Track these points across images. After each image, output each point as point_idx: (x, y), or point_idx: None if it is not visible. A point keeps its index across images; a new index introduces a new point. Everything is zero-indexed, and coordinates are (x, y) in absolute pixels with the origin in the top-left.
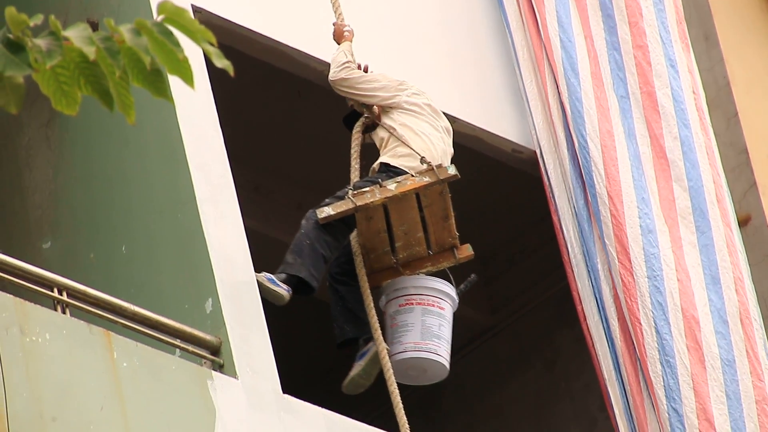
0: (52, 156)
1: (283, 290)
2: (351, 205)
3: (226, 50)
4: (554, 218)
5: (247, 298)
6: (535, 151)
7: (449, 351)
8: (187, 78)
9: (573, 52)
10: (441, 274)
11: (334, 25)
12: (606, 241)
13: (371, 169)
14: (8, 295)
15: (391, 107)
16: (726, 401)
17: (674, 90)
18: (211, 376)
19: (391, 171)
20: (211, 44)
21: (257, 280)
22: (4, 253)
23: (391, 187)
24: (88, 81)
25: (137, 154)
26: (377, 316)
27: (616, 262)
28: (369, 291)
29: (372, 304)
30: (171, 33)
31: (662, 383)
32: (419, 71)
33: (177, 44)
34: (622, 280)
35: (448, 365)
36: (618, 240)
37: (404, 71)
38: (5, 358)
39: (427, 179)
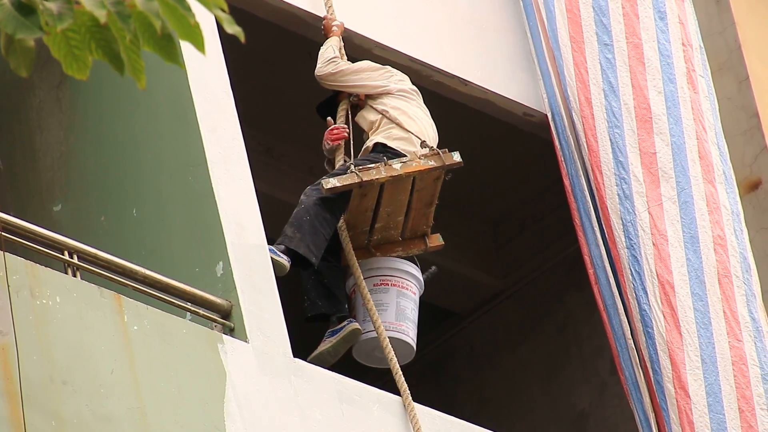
0: (63, 118)
1: (284, 260)
2: (356, 180)
3: (238, 13)
4: (565, 182)
5: (258, 262)
6: (546, 115)
7: (416, 334)
8: (198, 44)
9: (553, 17)
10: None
11: (323, 19)
12: (599, 214)
13: (364, 148)
14: (19, 258)
15: (381, 94)
16: (701, 365)
17: (661, 44)
18: (222, 340)
19: (389, 152)
20: (223, 10)
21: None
22: (15, 216)
23: (397, 166)
24: (99, 45)
25: (148, 116)
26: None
27: (605, 235)
28: (359, 267)
29: (363, 280)
30: None
31: (647, 355)
32: (430, 35)
33: (188, 9)
34: (611, 253)
35: (414, 349)
36: (603, 213)
37: (415, 35)
38: (16, 321)
39: (432, 163)
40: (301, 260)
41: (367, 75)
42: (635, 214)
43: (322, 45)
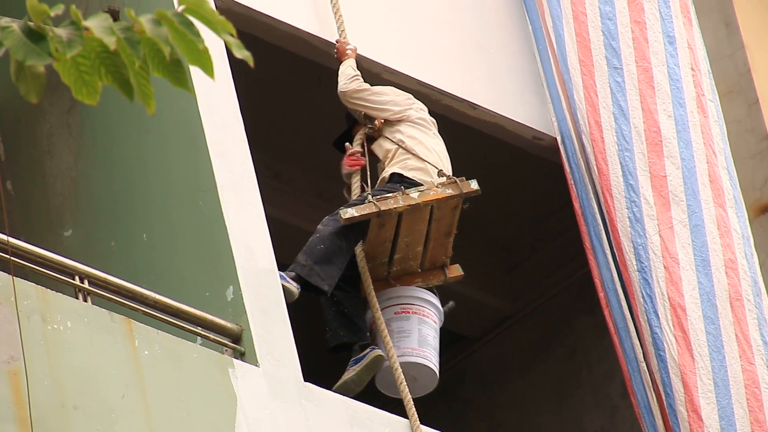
0: (73, 143)
1: (293, 286)
2: (374, 209)
3: (247, 38)
4: (575, 205)
5: (268, 286)
6: (555, 139)
7: (438, 361)
8: (208, 69)
9: (562, 40)
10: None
11: (336, 42)
12: (610, 237)
13: (381, 179)
14: (30, 283)
15: (399, 121)
16: (714, 389)
17: (671, 68)
18: (233, 364)
19: (405, 182)
20: (231, 35)
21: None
22: (25, 241)
23: (414, 195)
24: (109, 71)
25: (158, 141)
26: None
27: (616, 258)
28: (376, 299)
29: (380, 313)
30: (191, 24)
31: (660, 378)
32: (439, 59)
33: (197, 35)
34: (623, 277)
35: (438, 376)
36: (614, 236)
37: (424, 59)
38: (27, 346)
39: (449, 191)
40: (313, 288)
41: (390, 99)
42: (646, 237)
43: (330, 69)
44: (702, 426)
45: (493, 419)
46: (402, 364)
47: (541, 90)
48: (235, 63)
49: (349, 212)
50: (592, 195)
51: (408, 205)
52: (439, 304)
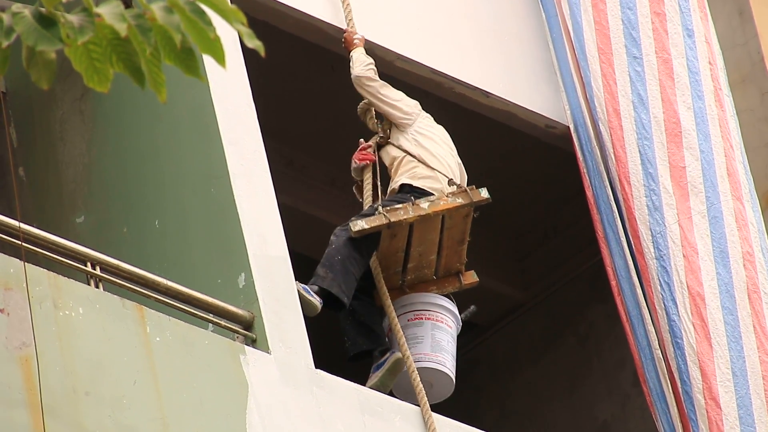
0: (85, 130)
1: (316, 301)
2: (384, 221)
3: (260, 25)
4: (588, 194)
5: (279, 273)
6: (568, 127)
7: (454, 365)
8: (219, 57)
9: (580, 28)
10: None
11: (344, 32)
12: (625, 225)
13: (390, 190)
14: (42, 269)
15: (404, 126)
16: (732, 378)
17: (689, 60)
18: (244, 351)
19: (415, 192)
20: (243, 24)
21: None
22: (37, 227)
23: (424, 205)
24: (120, 58)
25: (170, 128)
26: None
27: (632, 245)
28: (392, 306)
29: (396, 320)
30: (203, 12)
31: (676, 366)
32: (452, 47)
33: (209, 23)
34: (638, 264)
35: (454, 381)
36: (630, 223)
37: (437, 47)
38: (39, 332)
39: (459, 200)
40: (333, 301)
41: (401, 98)
42: (665, 225)
43: (343, 57)
44: (720, 414)
45: (505, 407)
46: (419, 369)
47: (555, 78)
48: (247, 50)
49: (359, 224)
50: (606, 183)
51: (418, 216)
52: (455, 309)
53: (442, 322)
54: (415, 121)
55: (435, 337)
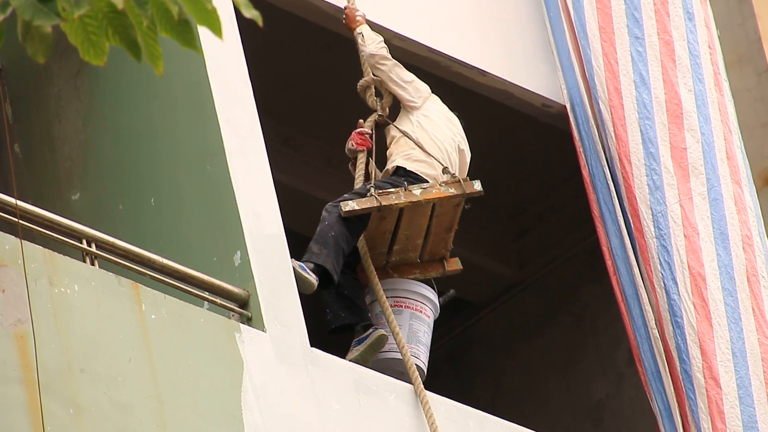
0: (81, 107)
1: (312, 278)
2: (375, 204)
3: (256, 2)
4: (584, 173)
5: (275, 251)
6: (564, 106)
7: (428, 358)
8: (216, 28)
9: (581, 6)
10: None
11: (345, 8)
12: (624, 204)
13: (385, 170)
14: (37, 246)
15: (411, 108)
16: (732, 358)
17: (690, 43)
18: (239, 329)
19: (409, 176)
20: None
21: (292, 267)
22: (33, 204)
23: (417, 192)
24: (116, 31)
25: (166, 106)
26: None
27: (631, 224)
28: (380, 285)
29: (384, 299)
30: None
31: (674, 345)
32: (449, 26)
33: None
34: (637, 243)
35: (425, 371)
36: (630, 202)
37: (435, 26)
38: (34, 309)
39: (452, 191)
40: (325, 278)
41: (413, 80)
42: (666, 205)
43: (340, 35)
44: (720, 393)
45: (500, 386)
46: (389, 360)
47: (551, 57)
48: (244, 28)
49: (350, 205)
50: (603, 162)
51: (409, 202)
52: (435, 298)
53: (421, 311)
54: (422, 105)
55: (412, 327)
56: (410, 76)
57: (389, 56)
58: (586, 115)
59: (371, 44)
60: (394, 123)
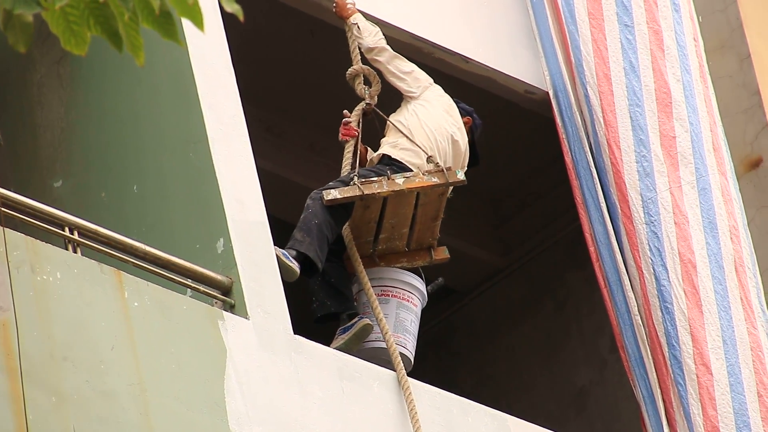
0: (64, 94)
1: (295, 266)
2: (358, 192)
3: None
4: (566, 159)
5: (258, 239)
6: (547, 92)
7: (415, 347)
8: (197, 21)
9: None
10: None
11: None
12: (610, 189)
13: (370, 159)
14: (19, 233)
15: (409, 98)
16: (722, 346)
17: (678, 34)
18: (222, 317)
19: (394, 165)
20: None
21: (275, 254)
22: (15, 192)
23: (399, 181)
24: (98, 21)
25: (149, 92)
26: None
27: (618, 209)
28: (365, 273)
29: (370, 287)
30: None
31: (663, 330)
32: (432, 12)
33: None
34: (624, 228)
35: (412, 362)
36: (618, 188)
37: (417, 13)
38: (16, 297)
39: (435, 180)
40: (309, 265)
41: (413, 70)
42: (656, 191)
43: (323, 22)
44: (711, 379)
45: (483, 372)
46: (376, 350)
47: (534, 44)
48: (226, 15)
49: (332, 194)
50: (587, 148)
51: (392, 191)
52: (423, 287)
53: (408, 300)
54: (421, 94)
55: (399, 317)
56: (409, 66)
57: (388, 47)
58: (569, 101)
59: (369, 37)
60: (393, 112)
